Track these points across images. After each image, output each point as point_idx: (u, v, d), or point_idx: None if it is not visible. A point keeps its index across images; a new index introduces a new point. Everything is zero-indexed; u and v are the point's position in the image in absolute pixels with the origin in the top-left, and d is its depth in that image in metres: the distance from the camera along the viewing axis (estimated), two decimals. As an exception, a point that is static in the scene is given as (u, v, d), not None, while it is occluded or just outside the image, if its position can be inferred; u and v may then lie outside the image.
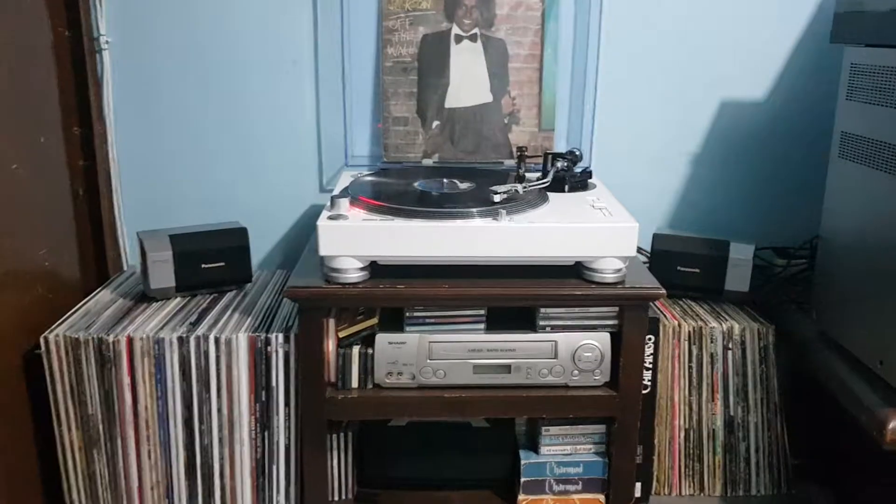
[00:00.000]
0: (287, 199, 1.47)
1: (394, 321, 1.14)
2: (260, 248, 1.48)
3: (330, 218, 1.08)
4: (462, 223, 1.08)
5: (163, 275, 1.26)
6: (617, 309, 1.13)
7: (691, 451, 1.27)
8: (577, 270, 1.13)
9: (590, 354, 1.13)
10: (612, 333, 1.14)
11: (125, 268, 1.47)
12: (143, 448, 1.18)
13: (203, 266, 1.28)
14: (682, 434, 1.26)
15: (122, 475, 1.19)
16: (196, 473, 1.20)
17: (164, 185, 1.47)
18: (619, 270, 1.11)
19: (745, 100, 1.45)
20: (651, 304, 1.15)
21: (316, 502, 1.18)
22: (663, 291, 1.10)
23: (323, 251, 1.07)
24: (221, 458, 1.19)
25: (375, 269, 1.11)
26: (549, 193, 1.21)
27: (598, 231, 1.08)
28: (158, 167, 1.46)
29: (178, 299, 1.29)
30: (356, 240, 1.07)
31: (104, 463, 1.19)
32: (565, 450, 1.21)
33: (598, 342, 1.13)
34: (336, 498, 1.23)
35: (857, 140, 1.11)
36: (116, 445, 1.18)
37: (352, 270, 1.08)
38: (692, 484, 1.28)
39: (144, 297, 1.29)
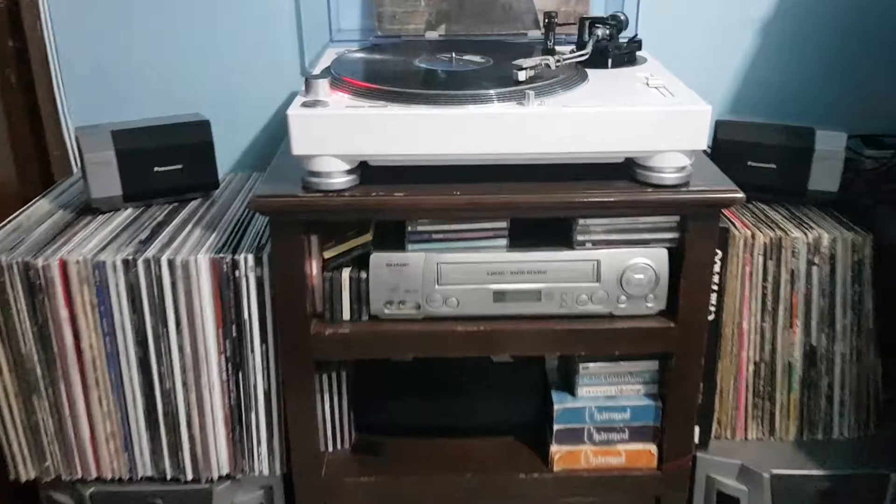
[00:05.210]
0: (261, 86, 1.29)
1: (393, 237, 0.96)
2: (230, 148, 1.30)
3: (304, 105, 0.87)
4: (477, 109, 0.87)
5: (106, 180, 1.05)
6: (677, 218, 0.94)
7: (761, 389, 1.09)
8: (626, 170, 0.93)
9: (641, 276, 0.95)
10: (669, 249, 0.95)
11: (75, 171, 1.27)
12: (91, 394, 1.00)
13: (156, 169, 1.07)
14: (752, 368, 1.08)
15: (69, 425, 1.02)
16: (158, 423, 1.02)
17: (111, 70, 1.27)
18: (682, 168, 0.91)
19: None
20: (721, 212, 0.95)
21: (305, 454, 1.03)
22: (741, 195, 0.90)
23: (297, 149, 0.87)
24: (188, 405, 1.01)
25: (367, 173, 0.91)
26: (587, 70, 0.99)
27: (658, 117, 0.87)
28: (104, 49, 1.26)
29: (129, 211, 1.08)
30: (339, 133, 0.86)
31: (47, 412, 1.01)
32: (608, 391, 1.05)
33: (651, 261, 0.95)
34: (330, 448, 1.08)
35: None
36: (60, 391, 1.00)
37: (336, 174, 0.89)
38: (760, 426, 1.10)
39: (88, 208, 1.08)
